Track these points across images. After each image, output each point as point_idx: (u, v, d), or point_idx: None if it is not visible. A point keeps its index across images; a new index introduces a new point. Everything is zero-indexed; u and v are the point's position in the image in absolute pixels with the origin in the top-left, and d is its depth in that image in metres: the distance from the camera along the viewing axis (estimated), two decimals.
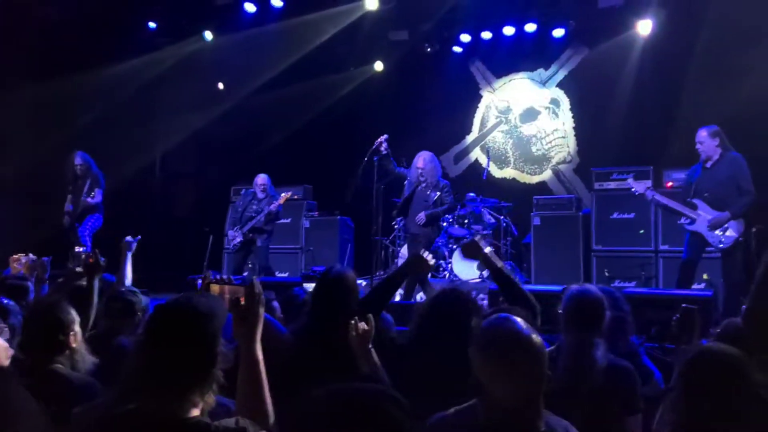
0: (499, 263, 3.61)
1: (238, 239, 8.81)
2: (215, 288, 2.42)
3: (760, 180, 6.50)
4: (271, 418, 2.15)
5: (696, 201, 6.50)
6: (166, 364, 1.90)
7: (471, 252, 3.74)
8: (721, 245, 6.33)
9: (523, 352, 1.96)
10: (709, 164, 6.57)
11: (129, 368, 2.01)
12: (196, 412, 1.92)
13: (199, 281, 2.74)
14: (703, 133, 6.56)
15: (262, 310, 2.27)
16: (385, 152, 7.85)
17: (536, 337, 2.01)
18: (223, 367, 1.99)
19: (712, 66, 8.27)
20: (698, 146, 6.57)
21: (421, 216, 7.68)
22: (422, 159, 7.82)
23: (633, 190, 7.30)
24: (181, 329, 1.93)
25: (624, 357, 3.26)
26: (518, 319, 2.06)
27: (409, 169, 8.07)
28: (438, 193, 7.72)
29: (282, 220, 9.44)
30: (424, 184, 7.77)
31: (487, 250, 3.68)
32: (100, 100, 9.85)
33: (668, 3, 8.96)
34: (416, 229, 7.83)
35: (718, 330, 2.96)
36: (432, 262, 3.70)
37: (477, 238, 3.77)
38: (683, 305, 3.30)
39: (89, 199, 8.51)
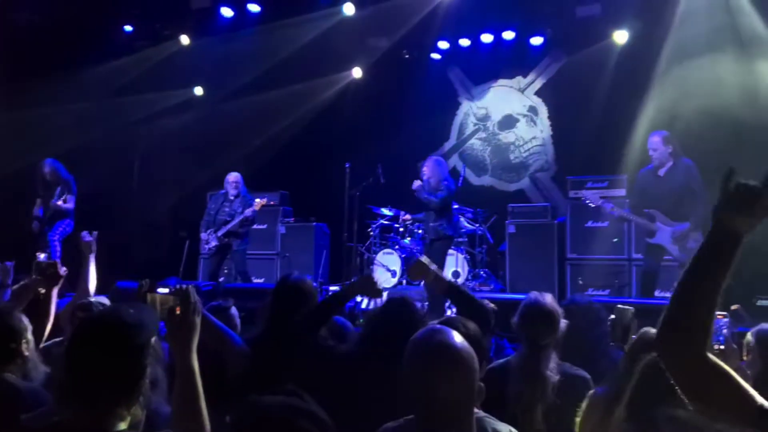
0: (447, 280, 3.57)
1: (213, 243, 8.72)
2: (153, 297, 2.37)
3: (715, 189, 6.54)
4: (206, 430, 2.11)
5: (653, 212, 6.48)
6: (91, 376, 1.86)
7: (418, 273, 3.63)
8: (682, 256, 6.29)
9: (453, 364, 1.93)
10: (661, 172, 6.57)
11: (57, 380, 1.97)
12: (123, 426, 1.88)
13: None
14: (656, 139, 6.56)
15: (197, 319, 2.22)
16: None
17: (467, 348, 1.98)
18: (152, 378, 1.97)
19: (681, 76, 8.33)
20: (651, 153, 6.58)
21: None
22: (426, 167, 7.81)
23: (588, 202, 7.31)
24: (107, 341, 1.89)
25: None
26: (452, 331, 2.03)
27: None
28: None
29: (257, 226, 9.38)
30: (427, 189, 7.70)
31: (433, 266, 3.54)
32: (75, 103, 9.77)
33: (643, 14, 9.01)
34: (432, 234, 7.82)
35: (635, 337, 2.95)
36: (388, 282, 3.71)
37: (423, 258, 3.66)
38: (617, 306, 3.32)
39: (61, 204, 8.42)
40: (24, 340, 2.99)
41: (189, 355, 2.17)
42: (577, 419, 2.70)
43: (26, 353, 2.99)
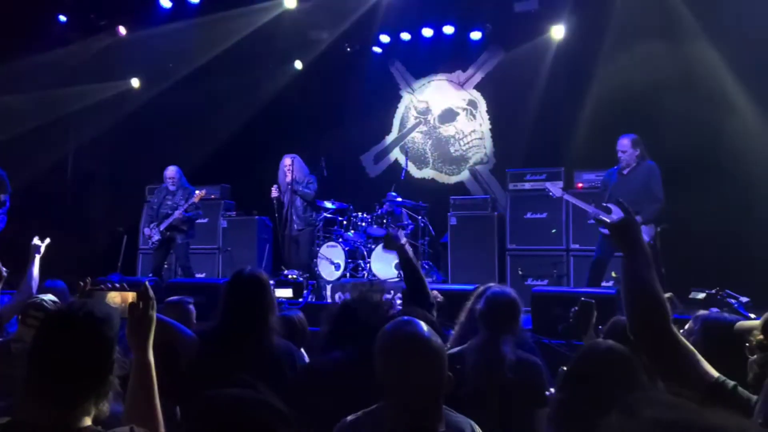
0: (410, 255, 3.72)
1: (156, 237, 8.61)
2: (114, 295, 2.36)
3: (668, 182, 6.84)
4: (161, 426, 2.12)
5: (610, 205, 6.75)
6: (62, 372, 1.84)
7: (390, 243, 3.87)
8: None
9: (422, 355, 1.99)
10: (626, 171, 6.88)
11: (21, 376, 1.94)
12: (88, 421, 1.86)
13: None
14: (625, 142, 6.85)
15: (154, 314, 2.25)
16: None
17: (437, 340, 2.04)
18: (119, 374, 1.96)
19: (617, 70, 8.59)
20: (620, 155, 6.87)
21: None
22: (290, 163, 8.82)
23: (550, 194, 7.57)
24: (77, 335, 1.88)
25: None
26: (420, 323, 2.09)
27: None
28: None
29: (199, 220, 9.28)
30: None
31: (403, 240, 3.82)
32: (8, 95, 9.45)
33: (578, 9, 9.24)
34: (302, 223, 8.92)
35: (606, 327, 3.09)
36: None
37: (396, 230, 3.89)
38: (582, 299, 3.46)
39: None
40: None
41: (147, 350, 2.19)
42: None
43: None
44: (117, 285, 2.44)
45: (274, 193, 8.86)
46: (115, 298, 2.34)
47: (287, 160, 8.86)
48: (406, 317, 2.18)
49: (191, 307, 4.09)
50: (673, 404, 0.98)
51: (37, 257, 4.64)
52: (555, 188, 7.64)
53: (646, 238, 6.50)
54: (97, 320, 1.91)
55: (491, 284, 3.74)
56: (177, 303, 3.98)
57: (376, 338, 2.09)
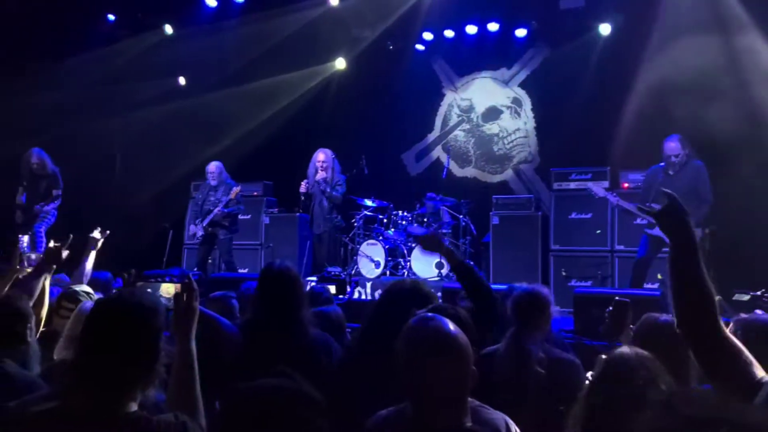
0: (459, 256, 3.61)
1: (200, 233, 8.75)
2: (167, 286, 2.44)
3: (713, 182, 6.66)
4: (201, 414, 2.16)
5: (654, 206, 6.57)
6: (111, 359, 1.89)
7: (431, 245, 3.71)
8: None
9: (447, 351, 1.97)
10: (671, 171, 6.71)
11: (70, 363, 1.99)
12: (134, 407, 1.92)
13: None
14: (675, 145, 6.68)
15: (197, 305, 2.33)
16: None
17: (461, 336, 2.02)
18: (164, 362, 2.00)
19: (665, 69, 8.40)
20: (673, 159, 6.69)
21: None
22: (324, 159, 8.69)
23: (594, 193, 7.44)
24: (127, 323, 1.93)
25: None
26: (444, 318, 2.07)
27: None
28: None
29: (242, 216, 9.38)
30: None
31: (445, 242, 3.71)
32: (57, 93, 9.68)
33: (625, 6, 9.08)
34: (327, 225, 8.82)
35: (637, 325, 3.01)
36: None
37: (437, 232, 3.79)
38: (616, 298, 3.38)
39: (45, 207, 8.38)
40: (28, 325, 3.01)
41: (190, 339, 2.27)
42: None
43: (29, 339, 3.00)
44: (167, 278, 2.53)
45: (303, 188, 8.84)
46: (168, 289, 2.42)
47: (320, 155, 8.82)
48: (430, 313, 2.16)
49: (234, 302, 4.14)
50: (713, 402, 0.95)
51: (93, 251, 4.78)
52: (598, 188, 7.51)
53: None
54: (146, 309, 1.97)
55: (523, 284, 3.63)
56: (220, 298, 4.04)
57: (399, 333, 2.08)
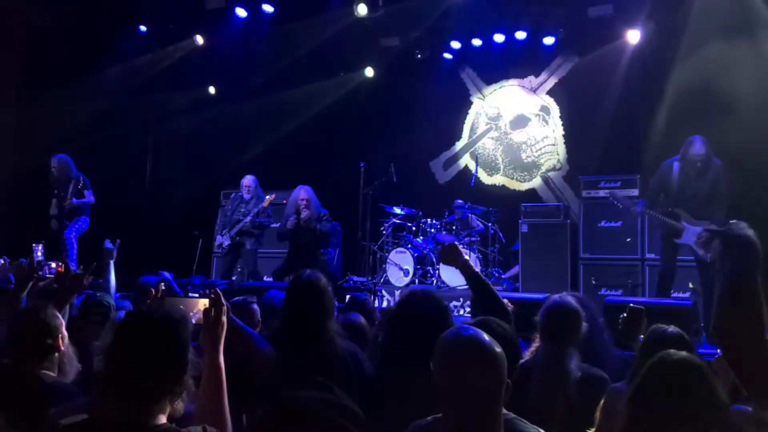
0: (474, 269, 3.58)
1: (226, 243, 8.80)
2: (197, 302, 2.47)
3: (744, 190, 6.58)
4: (229, 427, 2.18)
5: (678, 211, 6.47)
6: (140, 370, 1.91)
7: (448, 257, 3.67)
8: (706, 256, 6.28)
9: (480, 360, 1.97)
10: (693, 172, 6.50)
11: (99, 375, 2.02)
12: (163, 419, 1.93)
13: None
14: (700, 146, 6.44)
15: (225, 320, 2.37)
16: None
17: (496, 347, 2.02)
18: (192, 374, 2.02)
19: (694, 76, 8.32)
20: (698, 165, 6.44)
21: None
22: (305, 197, 8.34)
23: (617, 203, 7.36)
24: (156, 335, 1.95)
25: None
26: (479, 330, 2.07)
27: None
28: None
29: (273, 225, 9.41)
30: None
31: (464, 254, 3.60)
32: (90, 103, 9.84)
33: (654, 13, 9.01)
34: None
35: (645, 335, 2.98)
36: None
37: (456, 243, 3.74)
38: (630, 305, 3.36)
39: (76, 201, 8.46)
40: (60, 335, 3.04)
41: (219, 354, 2.30)
42: (597, 414, 2.75)
43: (62, 348, 3.04)
44: (188, 288, 2.56)
45: (290, 224, 8.42)
46: (202, 304, 2.43)
47: (302, 193, 8.43)
48: (464, 326, 2.16)
49: (255, 306, 4.16)
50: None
51: (112, 262, 4.86)
52: (621, 197, 7.39)
53: (719, 245, 6.31)
54: (174, 321, 1.99)
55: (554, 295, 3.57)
56: (241, 303, 4.07)
57: (435, 344, 2.08)
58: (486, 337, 2.04)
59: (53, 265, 7.48)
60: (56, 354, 3.00)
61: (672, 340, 2.87)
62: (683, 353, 2.12)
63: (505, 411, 2.09)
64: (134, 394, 1.89)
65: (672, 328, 3.02)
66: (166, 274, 6.82)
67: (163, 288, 2.91)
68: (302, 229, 8.33)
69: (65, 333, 3.09)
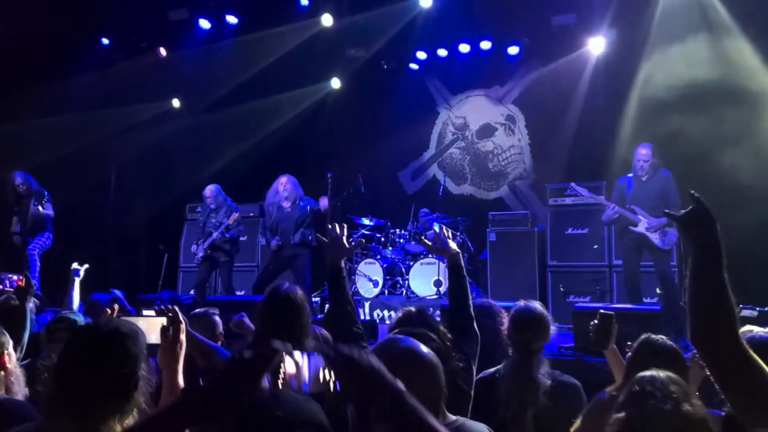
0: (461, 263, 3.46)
1: (200, 254, 8.66)
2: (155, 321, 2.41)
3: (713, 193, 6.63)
4: None
5: (634, 207, 6.85)
6: (84, 388, 1.82)
7: (435, 249, 3.49)
8: (664, 245, 6.71)
9: (414, 367, 1.94)
10: (645, 178, 6.91)
11: (44, 393, 1.93)
12: None
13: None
14: (646, 152, 6.90)
15: (183, 338, 2.34)
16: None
17: (429, 353, 2.00)
18: (148, 391, 1.95)
19: (657, 82, 8.44)
20: (643, 164, 6.88)
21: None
22: (287, 184, 8.39)
23: (581, 193, 7.57)
24: (101, 350, 1.87)
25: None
26: (411, 339, 2.05)
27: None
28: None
29: (242, 239, 9.30)
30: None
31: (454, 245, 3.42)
32: (52, 117, 9.66)
33: (617, 22, 9.12)
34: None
35: (634, 345, 2.95)
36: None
37: (446, 231, 3.61)
38: (601, 311, 3.34)
39: (40, 210, 8.32)
40: (6, 352, 2.92)
41: (177, 373, 2.28)
42: (575, 423, 2.73)
43: (8, 365, 2.93)
44: (157, 303, 2.50)
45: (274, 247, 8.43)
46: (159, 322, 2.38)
47: (283, 179, 8.51)
48: (398, 336, 2.12)
49: (216, 318, 4.06)
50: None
51: (77, 280, 4.84)
52: (581, 188, 7.59)
53: (673, 237, 6.51)
54: (122, 336, 1.91)
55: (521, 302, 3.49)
56: (202, 315, 3.98)
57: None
58: (417, 344, 2.02)
59: (14, 278, 7.34)
60: (1, 372, 2.87)
61: (662, 350, 2.83)
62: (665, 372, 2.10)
63: (457, 416, 2.12)
64: (80, 412, 1.80)
65: (661, 339, 2.94)
66: (117, 293, 6.76)
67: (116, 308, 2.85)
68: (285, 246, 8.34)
69: (12, 351, 2.94)
